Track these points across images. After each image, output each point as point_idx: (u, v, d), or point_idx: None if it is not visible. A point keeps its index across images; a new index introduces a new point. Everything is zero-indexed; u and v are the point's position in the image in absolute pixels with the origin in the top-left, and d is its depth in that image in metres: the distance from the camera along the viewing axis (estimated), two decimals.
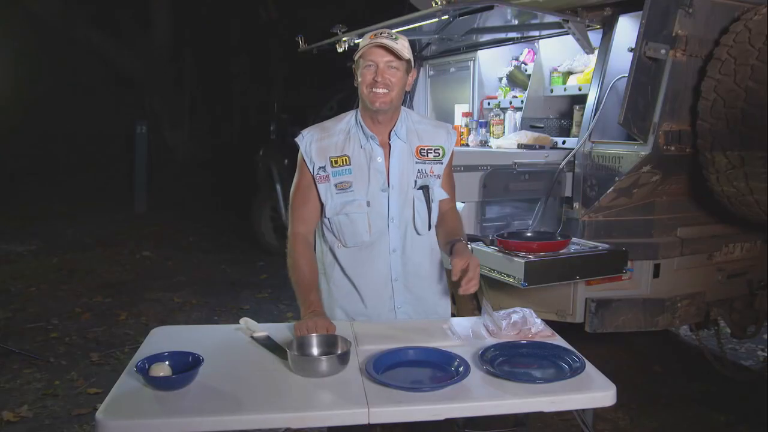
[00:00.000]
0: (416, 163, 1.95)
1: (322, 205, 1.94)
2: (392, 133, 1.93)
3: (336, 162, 1.90)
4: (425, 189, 1.94)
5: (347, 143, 1.92)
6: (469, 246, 1.99)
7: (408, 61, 1.86)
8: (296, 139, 1.96)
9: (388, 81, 1.83)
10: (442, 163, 1.98)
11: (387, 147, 1.93)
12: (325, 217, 1.94)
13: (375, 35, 1.83)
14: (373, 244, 1.93)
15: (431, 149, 1.97)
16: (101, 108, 11.87)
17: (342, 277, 1.99)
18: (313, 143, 1.92)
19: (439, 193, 1.97)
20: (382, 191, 1.91)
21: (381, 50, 1.82)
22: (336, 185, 1.90)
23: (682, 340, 4.31)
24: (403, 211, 1.94)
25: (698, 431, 3.06)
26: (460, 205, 3.12)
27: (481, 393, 1.48)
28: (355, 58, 1.88)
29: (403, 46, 1.83)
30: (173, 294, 5.27)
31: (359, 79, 1.87)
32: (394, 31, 1.94)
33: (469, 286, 1.79)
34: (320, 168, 1.91)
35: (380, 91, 1.83)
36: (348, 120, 1.97)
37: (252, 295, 5.33)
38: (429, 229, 1.99)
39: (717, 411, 3.21)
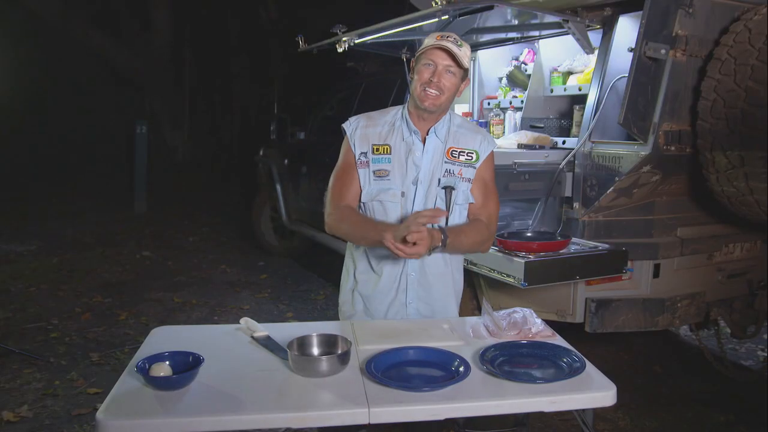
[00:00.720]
0: (445, 162, 1.97)
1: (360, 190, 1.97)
2: (431, 129, 1.97)
3: (377, 150, 1.96)
4: (448, 189, 1.96)
5: (390, 134, 1.98)
6: (442, 239, 1.85)
7: (466, 69, 1.90)
8: (343, 125, 2.01)
9: (442, 84, 1.87)
10: (473, 167, 1.99)
11: (425, 143, 1.97)
12: (361, 201, 1.97)
13: (441, 37, 1.86)
14: None
15: (463, 152, 1.99)
16: (101, 108, 11.88)
17: (368, 266, 2.02)
18: (359, 129, 1.98)
19: (464, 197, 1.98)
20: (413, 184, 1.95)
21: (443, 53, 1.85)
22: (374, 172, 1.94)
23: (682, 340, 4.31)
24: (425, 206, 1.96)
25: (698, 431, 3.06)
26: None
27: (481, 393, 1.48)
28: (417, 55, 1.93)
29: (465, 54, 1.87)
30: (173, 294, 5.27)
31: (415, 75, 1.91)
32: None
33: (402, 247, 1.73)
34: (362, 153, 1.97)
35: (432, 92, 1.87)
36: (395, 113, 2.02)
37: (252, 295, 5.33)
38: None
39: (717, 411, 3.22)
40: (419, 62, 1.90)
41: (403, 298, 2.01)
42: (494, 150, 2.04)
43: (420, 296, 2.02)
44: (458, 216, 1.98)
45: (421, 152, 1.95)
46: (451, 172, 1.96)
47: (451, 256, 2.03)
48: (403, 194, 1.94)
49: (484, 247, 2.03)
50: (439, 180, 1.96)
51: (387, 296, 2.01)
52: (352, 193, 1.99)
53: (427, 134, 1.96)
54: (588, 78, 3.26)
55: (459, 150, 1.98)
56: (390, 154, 1.95)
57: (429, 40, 1.89)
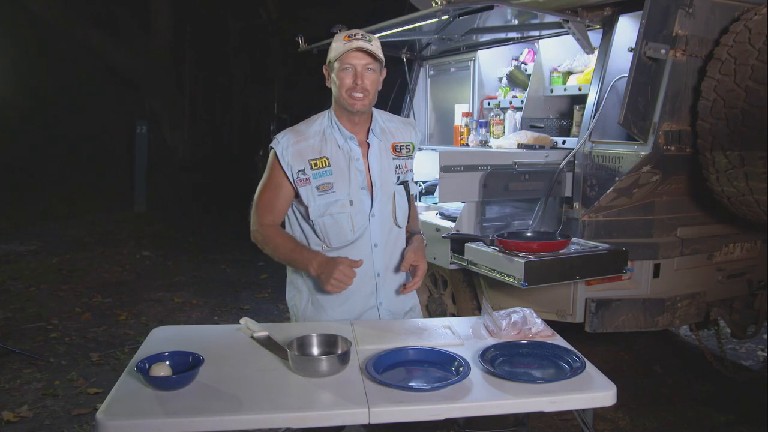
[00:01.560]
0: (393, 159, 2.00)
1: (306, 208, 1.93)
2: (370, 131, 1.97)
3: (316, 164, 1.91)
4: (405, 184, 2.01)
5: (324, 145, 1.93)
6: (424, 241, 2.07)
7: (382, 61, 1.91)
8: (271, 145, 1.97)
9: (366, 85, 1.86)
10: (412, 159, 2.05)
11: (365, 146, 1.96)
12: (309, 220, 1.94)
13: (349, 37, 1.85)
14: (356, 241, 1.96)
15: (403, 145, 2.03)
16: (101, 108, 11.88)
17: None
18: (289, 147, 1.92)
19: (413, 187, 2.06)
20: (362, 189, 1.94)
21: (359, 53, 1.84)
22: (317, 187, 1.90)
23: (682, 340, 4.31)
24: (385, 206, 1.97)
25: (698, 431, 3.06)
26: (460, 205, 3.12)
27: (481, 393, 1.48)
28: (330, 61, 1.90)
29: (377, 47, 1.87)
30: (173, 294, 5.27)
31: (336, 82, 1.89)
32: (375, 35, 1.97)
33: (409, 289, 1.96)
34: (299, 171, 1.91)
35: (358, 95, 1.86)
36: (321, 121, 1.98)
37: (252, 295, 5.33)
38: (407, 221, 2.04)
39: (717, 411, 3.21)
40: (335, 69, 1.88)
41: (373, 301, 2.01)
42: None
43: (388, 296, 2.03)
44: (408, 207, 2.04)
45: (361, 156, 1.94)
46: (401, 167, 2.00)
47: (403, 245, 2.06)
48: (351, 203, 1.92)
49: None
50: (398, 177, 1.99)
51: (357, 302, 2.00)
52: (278, 209, 1.98)
53: (368, 137, 1.96)
54: (588, 78, 3.26)
55: (400, 144, 2.02)
56: (329, 166, 1.90)
57: (338, 45, 1.86)
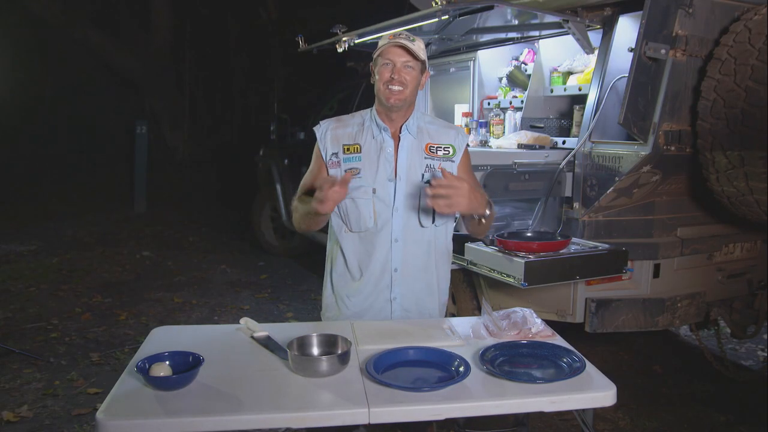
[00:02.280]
0: (425, 158, 2.01)
1: None
2: (403, 127, 2.00)
3: (348, 149, 2.00)
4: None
5: (360, 134, 2.02)
6: (488, 211, 1.90)
7: (423, 61, 1.96)
8: (314, 128, 2.06)
9: (404, 79, 1.92)
10: (452, 162, 2.03)
11: (397, 140, 2.00)
12: None
13: (394, 35, 1.92)
14: (377, 233, 1.99)
15: (441, 147, 2.03)
16: (101, 108, 11.87)
17: (344, 268, 2.05)
18: (329, 131, 2.02)
19: None
20: (389, 180, 1.97)
21: (399, 50, 1.91)
22: (346, 171, 1.96)
23: (682, 340, 4.31)
24: (409, 202, 1.98)
25: (698, 431, 3.06)
26: None
27: (481, 393, 1.48)
28: (374, 57, 1.97)
29: (419, 48, 1.93)
30: (173, 294, 5.27)
31: (376, 77, 1.96)
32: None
33: (437, 199, 1.75)
34: (333, 154, 2.00)
35: (395, 88, 1.91)
36: (363, 114, 2.07)
37: (252, 295, 5.33)
38: (433, 223, 2.02)
39: (717, 411, 3.22)
40: (377, 64, 1.95)
41: (387, 294, 2.02)
42: (468, 143, 2.11)
43: (404, 293, 2.03)
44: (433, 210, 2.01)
45: (392, 148, 1.98)
46: (432, 167, 2.00)
47: (432, 252, 2.04)
48: (374, 191, 1.96)
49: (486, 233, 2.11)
50: (422, 175, 1.99)
51: (372, 294, 2.02)
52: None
53: (400, 132, 2.00)
54: (588, 78, 3.26)
55: (436, 145, 2.03)
56: (360, 152, 1.98)
57: (383, 41, 1.94)
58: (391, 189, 1.97)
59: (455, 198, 1.77)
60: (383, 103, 1.96)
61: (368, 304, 2.04)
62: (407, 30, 3.44)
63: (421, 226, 2.00)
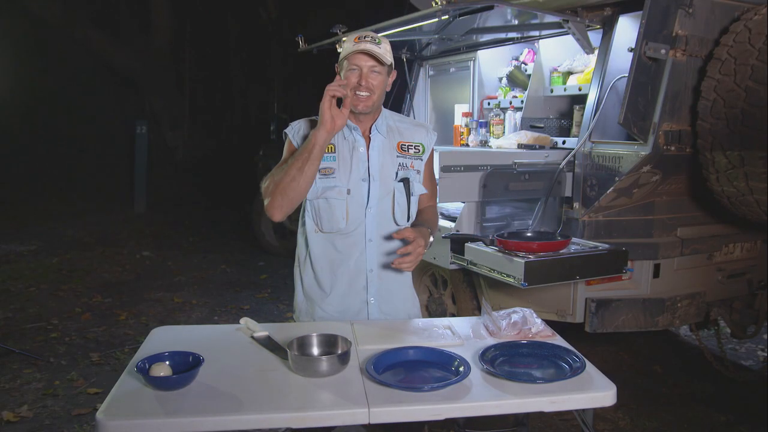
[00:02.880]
0: (397, 156, 2.01)
1: None
2: (373, 127, 2.00)
3: None
4: (406, 181, 2.01)
5: None
6: (431, 238, 2.02)
7: (390, 64, 1.94)
8: (285, 130, 2.03)
9: (371, 85, 1.90)
10: (422, 160, 2.05)
11: (367, 140, 2.00)
12: (306, 200, 1.98)
13: (359, 39, 1.89)
14: (350, 233, 1.98)
15: (411, 145, 2.05)
16: (101, 108, 11.86)
17: (311, 272, 2.03)
18: (302, 131, 2.00)
19: (418, 188, 2.04)
20: (362, 181, 1.97)
21: (365, 56, 1.89)
22: (320, 170, 1.94)
23: (682, 340, 4.31)
24: (382, 201, 1.98)
25: (698, 431, 3.06)
26: (460, 205, 3.12)
27: (481, 393, 1.48)
28: (340, 60, 1.95)
29: (385, 51, 1.90)
30: (173, 294, 5.27)
31: (344, 81, 1.93)
32: (380, 34, 1.98)
33: (402, 261, 1.87)
34: None
35: (363, 94, 1.90)
36: None
37: (252, 295, 5.34)
38: (408, 221, 2.03)
39: (717, 411, 3.22)
40: (344, 68, 1.92)
41: (364, 296, 2.02)
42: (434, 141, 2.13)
43: (381, 294, 2.03)
44: (413, 207, 2.04)
45: (364, 148, 1.98)
46: (404, 165, 2.01)
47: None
48: (349, 191, 1.96)
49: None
50: (397, 173, 1.99)
51: (347, 295, 2.01)
52: None
53: (370, 132, 2.00)
54: (588, 78, 3.26)
55: (407, 144, 2.04)
56: (334, 152, 1.96)
57: (348, 45, 1.91)
58: (364, 189, 1.97)
59: (418, 257, 1.90)
60: (351, 109, 1.93)
61: (344, 307, 2.02)
62: (407, 30, 3.47)
63: (396, 224, 2.01)
